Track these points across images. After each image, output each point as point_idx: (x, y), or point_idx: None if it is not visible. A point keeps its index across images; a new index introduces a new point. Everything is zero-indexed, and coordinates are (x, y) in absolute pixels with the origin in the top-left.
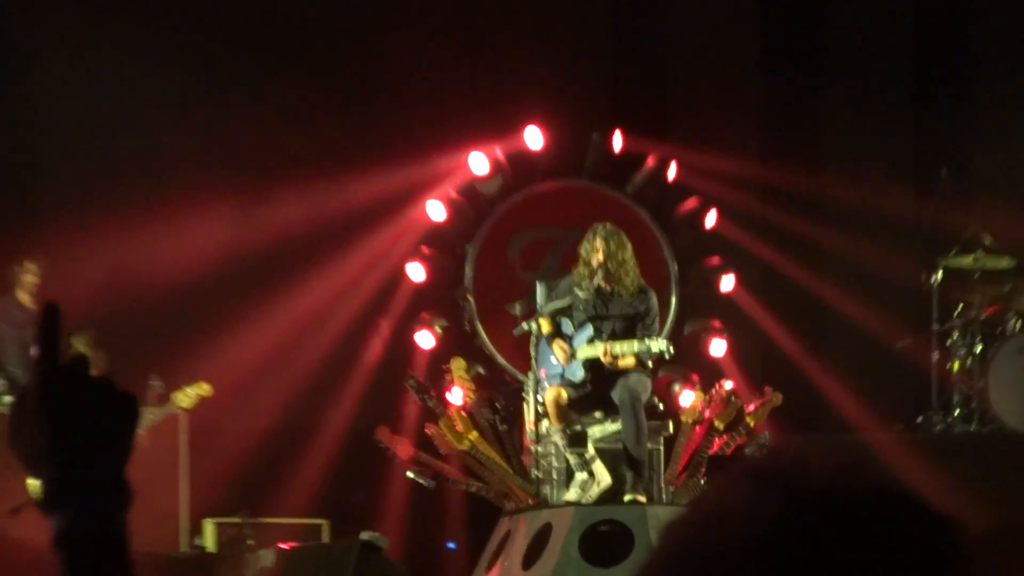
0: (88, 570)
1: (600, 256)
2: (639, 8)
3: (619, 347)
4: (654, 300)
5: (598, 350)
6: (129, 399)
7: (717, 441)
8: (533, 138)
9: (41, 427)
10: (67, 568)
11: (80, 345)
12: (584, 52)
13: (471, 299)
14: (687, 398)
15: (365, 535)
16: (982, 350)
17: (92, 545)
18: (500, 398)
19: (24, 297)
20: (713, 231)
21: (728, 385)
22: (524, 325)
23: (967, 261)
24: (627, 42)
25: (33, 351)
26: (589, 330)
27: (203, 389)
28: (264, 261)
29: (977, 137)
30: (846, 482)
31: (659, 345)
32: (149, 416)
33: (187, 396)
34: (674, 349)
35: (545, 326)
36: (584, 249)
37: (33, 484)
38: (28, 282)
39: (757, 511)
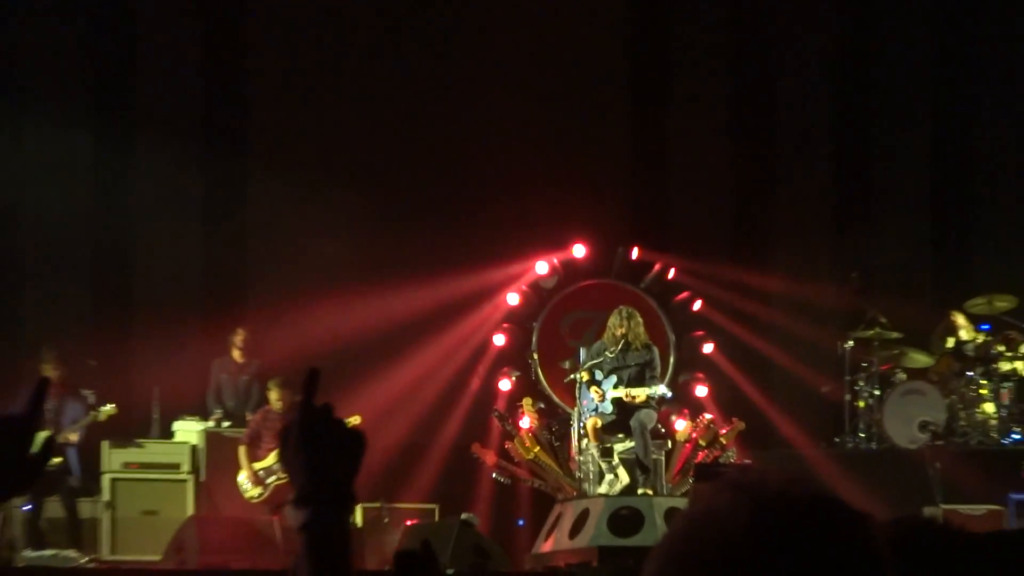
0: (320, 549)
1: (623, 329)
2: (650, 162)
3: (636, 391)
4: (657, 356)
5: (621, 392)
6: (357, 434)
7: (700, 454)
8: (578, 251)
9: (299, 450)
10: (307, 546)
11: (273, 385)
12: (613, 195)
13: (536, 358)
14: (680, 425)
15: (464, 516)
16: (879, 394)
17: (325, 533)
18: (555, 424)
19: (236, 354)
20: (699, 313)
21: (708, 416)
22: (572, 376)
23: (869, 334)
24: (641, 187)
25: (298, 398)
26: (614, 378)
27: (352, 421)
28: (398, 333)
29: (876, 252)
30: (794, 489)
31: (661, 390)
32: None
33: (351, 420)
34: (671, 392)
35: (585, 376)
36: (611, 323)
37: (241, 483)
38: (238, 344)
39: (735, 510)
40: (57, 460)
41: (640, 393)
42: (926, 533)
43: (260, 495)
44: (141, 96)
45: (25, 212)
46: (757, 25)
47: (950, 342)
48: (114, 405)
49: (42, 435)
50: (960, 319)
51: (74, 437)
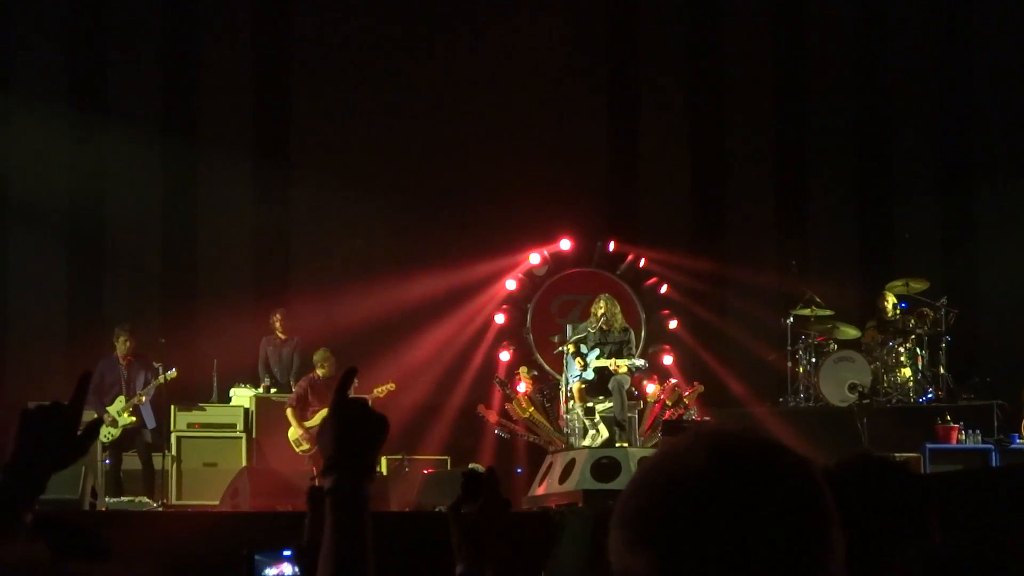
0: (344, 512)
1: (602, 311)
2: (624, 168)
3: (620, 362)
4: (633, 337)
5: (607, 363)
6: (381, 418)
7: (667, 412)
8: (565, 244)
9: (332, 429)
10: (333, 509)
11: (319, 356)
12: (593, 197)
13: (530, 333)
14: (650, 388)
15: (471, 466)
16: (815, 361)
17: (349, 498)
18: (546, 388)
19: (278, 332)
20: (665, 296)
21: (673, 381)
22: (560, 348)
23: (806, 312)
24: (616, 190)
25: (334, 392)
26: (597, 351)
27: (391, 386)
28: (417, 314)
29: (811, 244)
30: (746, 434)
31: (639, 362)
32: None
33: (382, 389)
34: (647, 364)
35: (571, 349)
36: (594, 307)
37: (295, 439)
38: (277, 323)
39: (694, 450)
40: (132, 420)
41: (622, 364)
42: (879, 467)
43: (309, 450)
44: (201, 115)
45: (105, 214)
46: (708, 42)
47: (890, 310)
48: (175, 370)
49: (89, 420)
50: (889, 298)
51: (144, 399)
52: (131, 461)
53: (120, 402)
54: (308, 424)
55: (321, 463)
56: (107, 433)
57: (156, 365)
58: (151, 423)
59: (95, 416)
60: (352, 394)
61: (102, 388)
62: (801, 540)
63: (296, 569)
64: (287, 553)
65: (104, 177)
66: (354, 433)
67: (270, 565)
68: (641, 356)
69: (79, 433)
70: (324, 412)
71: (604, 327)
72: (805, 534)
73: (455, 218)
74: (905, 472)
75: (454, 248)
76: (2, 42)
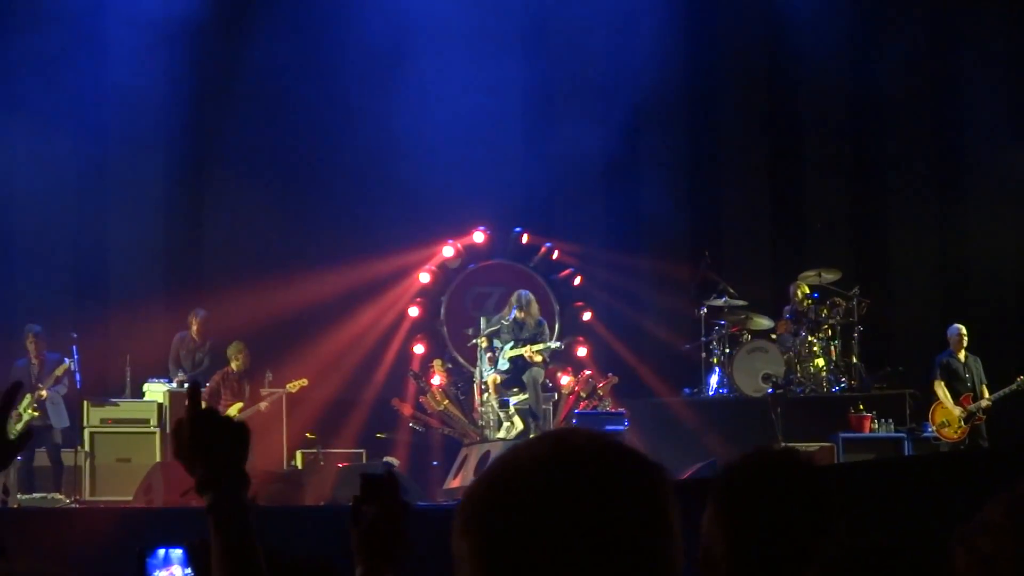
0: (226, 524)
1: (521, 312)
2: (537, 161)
3: (535, 348)
4: (546, 327)
5: (522, 351)
6: (242, 427)
7: (582, 404)
8: (478, 236)
9: (192, 446)
10: (213, 524)
11: (232, 350)
12: (508, 190)
13: (444, 327)
14: (565, 380)
15: (385, 459)
16: (728, 352)
17: (228, 510)
18: (461, 381)
19: (194, 331)
20: (579, 287)
21: (587, 372)
22: (473, 341)
23: (719, 303)
24: (530, 183)
25: (186, 406)
26: (511, 341)
27: (303, 382)
28: (330, 308)
29: (725, 235)
30: (598, 436)
31: (554, 344)
32: (269, 395)
33: (295, 385)
34: (562, 345)
35: (484, 343)
36: (511, 302)
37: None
38: (195, 326)
39: (540, 446)
40: (35, 414)
41: (537, 348)
42: (781, 462)
43: None
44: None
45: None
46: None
47: (803, 300)
48: (68, 360)
49: (18, 426)
50: (802, 288)
51: (44, 392)
52: (42, 458)
53: (27, 399)
54: None
55: (183, 493)
56: (12, 430)
57: (65, 359)
58: (62, 423)
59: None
60: (265, 389)
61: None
62: (627, 542)
63: (190, 570)
64: (178, 551)
65: (13, 174)
66: (218, 446)
67: (161, 566)
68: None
69: (10, 439)
70: (237, 405)
71: (519, 319)
72: (633, 537)
73: (367, 211)
74: (806, 465)
75: (366, 242)
76: None
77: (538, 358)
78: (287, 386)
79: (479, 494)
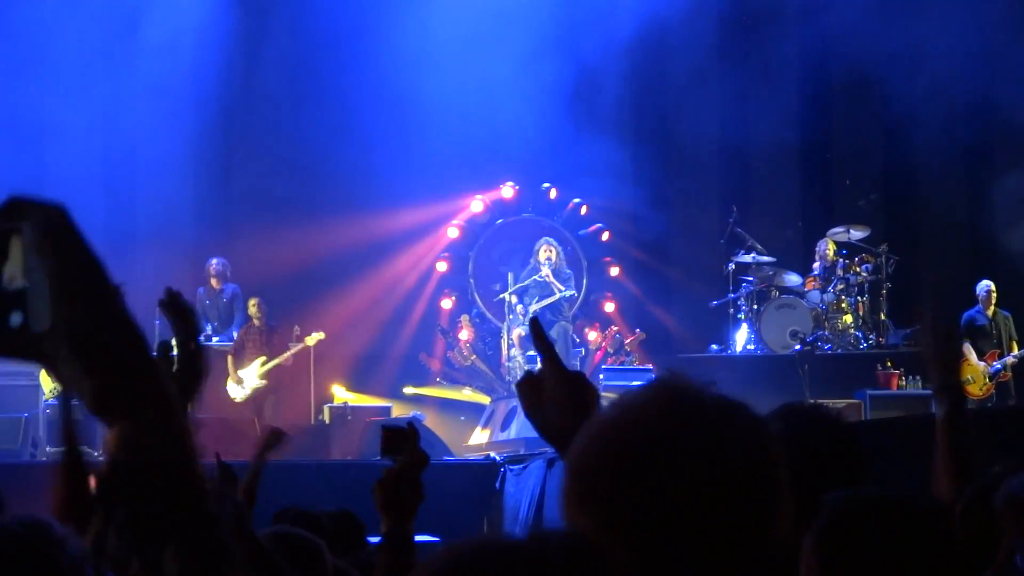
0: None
1: (545, 257)
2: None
3: (548, 299)
4: (573, 280)
5: (545, 302)
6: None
7: (609, 360)
8: (507, 191)
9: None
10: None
11: (250, 304)
12: (539, 147)
13: (472, 281)
14: (592, 335)
15: (414, 413)
16: (757, 308)
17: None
18: (488, 336)
19: (213, 282)
20: (607, 242)
21: (615, 328)
22: (501, 296)
23: (748, 259)
24: (559, 138)
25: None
26: (537, 296)
27: (320, 336)
28: (360, 256)
29: (753, 190)
30: (706, 389)
31: (570, 292)
32: (291, 348)
33: (312, 338)
34: (583, 309)
35: (513, 298)
36: (538, 256)
37: (229, 389)
38: (211, 271)
39: (654, 399)
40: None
41: (554, 297)
42: (811, 417)
43: (244, 397)
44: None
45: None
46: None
47: (831, 257)
48: None
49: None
50: (830, 245)
51: None
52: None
53: None
54: (241, 372)
55: (261, 406)
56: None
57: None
58: None
59: None
60: (293, 344)
61: None
62: (749, 505)
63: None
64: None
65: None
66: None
67: None
68: (583, 303)
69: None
70: (261, 359)
71: (547, 276)
72: (753, 500)
73: (398, 163)
74: (836, 421)
75: (395, 194)
76: None
77: (555, 297)
78: (306, 339)
79: (600, 463)
